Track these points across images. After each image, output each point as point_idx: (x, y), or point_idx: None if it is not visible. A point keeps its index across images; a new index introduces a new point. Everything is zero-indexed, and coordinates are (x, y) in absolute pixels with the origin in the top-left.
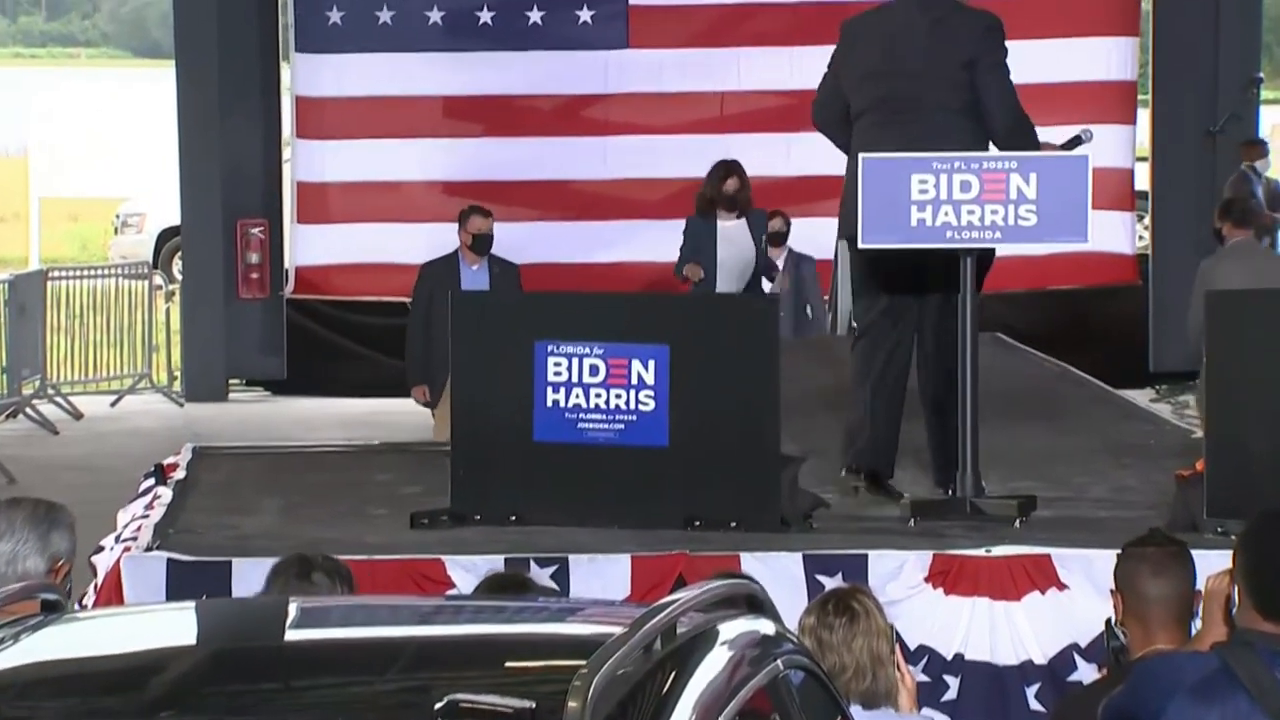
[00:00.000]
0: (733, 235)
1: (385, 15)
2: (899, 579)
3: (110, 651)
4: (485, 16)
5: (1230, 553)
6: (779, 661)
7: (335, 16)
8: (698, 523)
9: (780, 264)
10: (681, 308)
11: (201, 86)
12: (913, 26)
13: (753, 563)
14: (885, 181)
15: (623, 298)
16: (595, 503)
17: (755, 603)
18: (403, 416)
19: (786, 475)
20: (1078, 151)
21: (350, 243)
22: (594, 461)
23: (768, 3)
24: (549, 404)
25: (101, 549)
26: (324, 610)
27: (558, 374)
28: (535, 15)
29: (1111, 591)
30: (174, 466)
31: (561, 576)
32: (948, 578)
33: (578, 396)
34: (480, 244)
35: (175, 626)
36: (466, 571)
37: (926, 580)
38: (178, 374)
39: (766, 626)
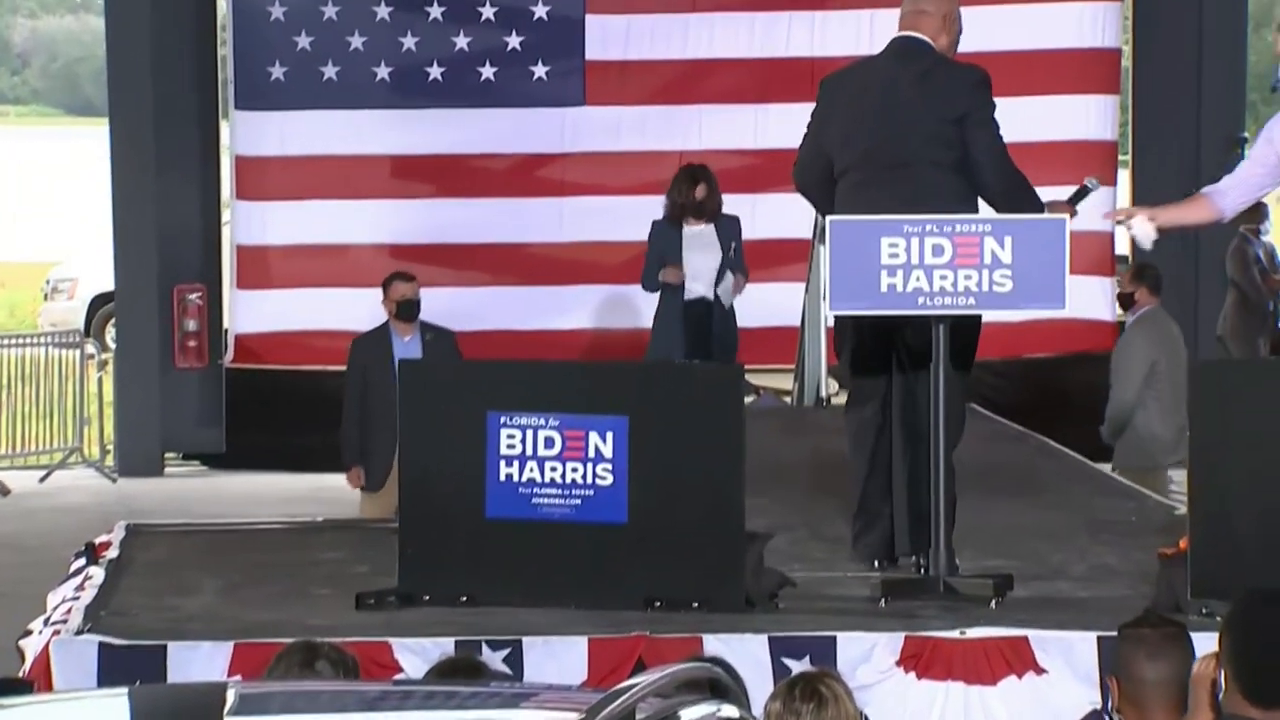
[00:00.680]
0: (700, 240)
1: (330, 71)
2: (869, 662)
3: None
4: (435, 72)
5: (1216, 635)
6: None
7: (277, 72)
8: (658, 603)
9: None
10: (641, 377)
11: (136, 145)
12: (898, 81)
13: (716, 645)
14: (854, 245)
15: (579, 366)
16: (551, 582)
17: (719, 687)
18: (348, 493)
19: (752, 553)
20: (1079, 203)
21: (293, 309)
22: (549, 539)
23: (730, 58)
24: (502, 478)
25: (30, 633)
26: (265, 696)
27: (511, 446)
28: (488, 71)
29: (1107, 677)
30: (106, 545)
31: (515, 660)
32: (920, 661)
33: (532, 470)
34: (405, 311)
35: (107, 715)
36: (415, 655)
37: (898, 664)
38: (110, 448)
39: (731, 712)
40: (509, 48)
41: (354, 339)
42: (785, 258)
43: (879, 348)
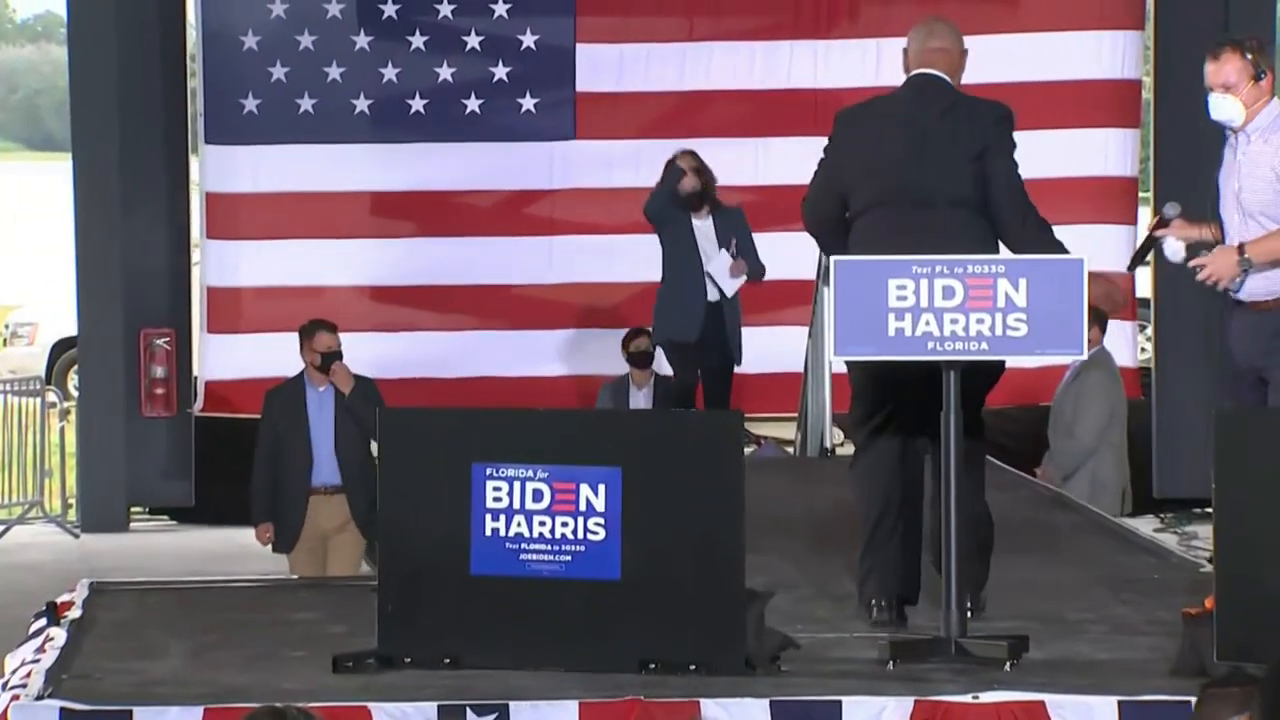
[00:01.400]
0: (702, 236)
1: (306, 103)
2: None
3: None
4: (418, 105)
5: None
6: None
7: (251, 104)
8: (654, 665)
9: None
10: (635, 425)
11: (101, 181)
12: (920, 117)
13: (715, 710)
14: (860, 287)
15: (570, 414)
16: (540, 643)
17: None
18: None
19: (752, 612)
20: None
21: (267, 355)
22: (538, 597)
23: (729, 89)
24: (487, 533)
25: None
26: None
27: (497, 499)
28: (473, 104)
29: None
30: (69, 605)
31: None
32: None
33: (520, 525)
34: (329, 363)
35: None
36: None
37: None
38: (73, 501)
39: None
40: (495, 78)
41: (268, 390)
42: (788, 299)
43: (893, 380)
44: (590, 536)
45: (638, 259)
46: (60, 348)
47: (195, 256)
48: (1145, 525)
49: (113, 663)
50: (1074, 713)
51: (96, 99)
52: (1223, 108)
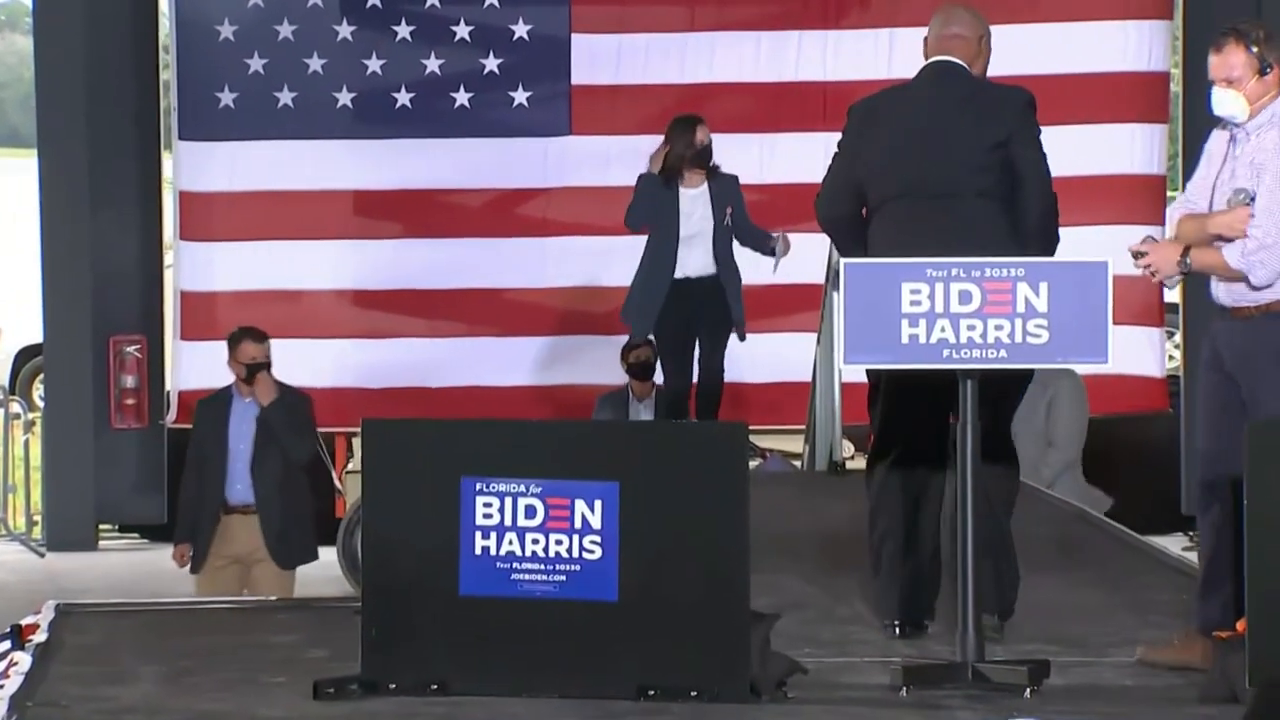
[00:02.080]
0: (698, 204)
1: (286, 97)
2: None
3: None
4: (404, 98)
5: None
6: None
7: (227, 99)
8: (653, 691)
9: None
10: (633, 437)
11: (69, 180)
12: (939, 106)
13: None
14: (871, 291)
15: (565, 426)
16: (532, 668)
17: None
18: (305, 567)
19: (757, 635)
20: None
21: None
22: (531, 619)
23: (733, 82)
24: (477, 551)
25: None
26: None
27: (488, 516)
28: (462, 97)
29: None
30: (34, 628)
31: None
32: None
33: (511, 543)
34: (254, 374)
35: None
36: None
37: None
38: (38, 518)
39: None
40: (486, 71)
41: (199, 399)
42: (795, 305)
43: (911, 386)
44: (586, 555)
45: (636, 261)
46: (25, 355)
47: (168, 259)
48: (1173, 544)
49: (81, 689)
50: None
51: (64, 92)
52: (1225, 102)
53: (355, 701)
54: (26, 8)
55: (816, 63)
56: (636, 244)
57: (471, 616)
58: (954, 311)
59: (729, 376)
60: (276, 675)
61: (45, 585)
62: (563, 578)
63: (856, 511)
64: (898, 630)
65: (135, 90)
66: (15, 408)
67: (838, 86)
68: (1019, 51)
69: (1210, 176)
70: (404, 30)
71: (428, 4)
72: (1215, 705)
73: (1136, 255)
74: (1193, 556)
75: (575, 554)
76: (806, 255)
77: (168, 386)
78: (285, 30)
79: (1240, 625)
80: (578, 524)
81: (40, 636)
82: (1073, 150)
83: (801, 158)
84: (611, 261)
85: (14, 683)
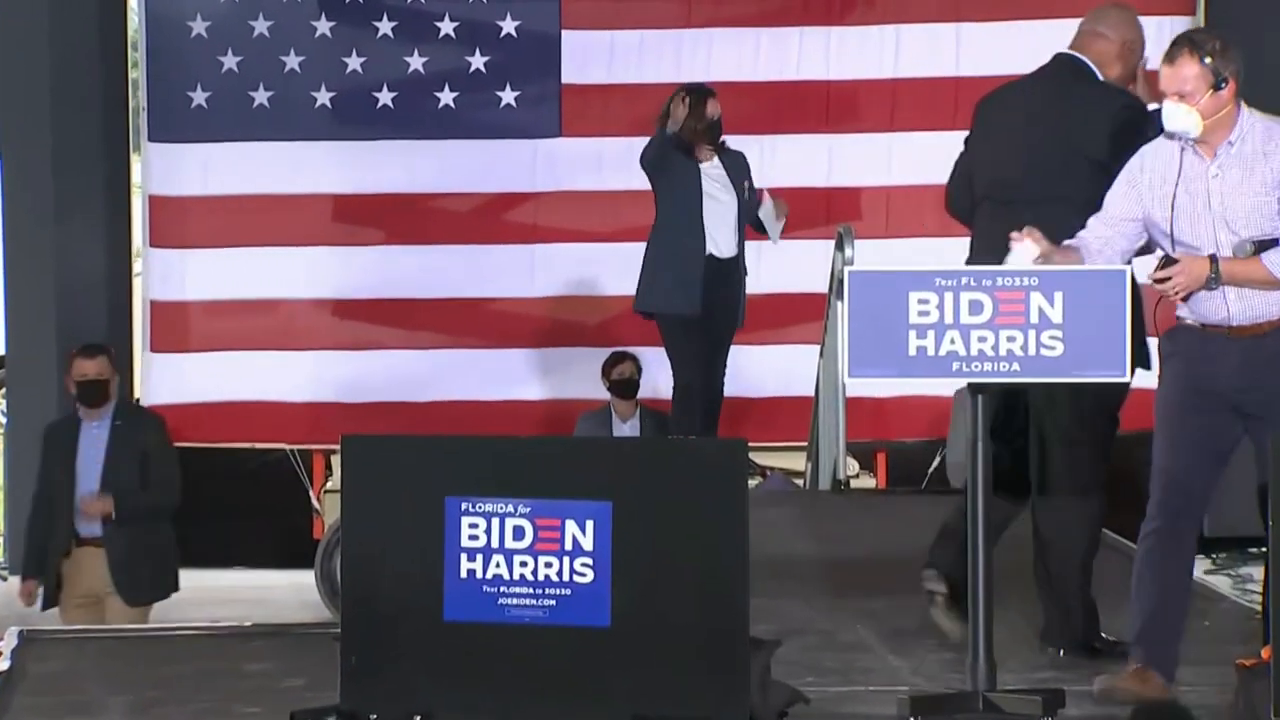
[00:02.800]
0: (718, 185)
1: (262, 96)
2: None
3: None
4: (385, 98)
5: None
6: None
7: (199, 98)
8: None
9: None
10: (627, 454)
11: (31, 184)
12: (1044, 104)
13: None
14: (877, 300)
15: (555, 442)
16: (520, 697)
17: None
18: (280, 592)
19: (757, 663)
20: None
21: (217, 377)
22: (519, 646)
23: (731, 81)
24: (462, 575)
25: None
26: None
27: (473, 537)
28: (447, 97)
29: None
30: None
31: None
32: None
33: (498, 565)
34: (89, 394)
35: None
36: None
37: None
38: (2, 539)
39: None
40: (472, 69)
41: (48, 424)
42: (797, 315)
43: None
44: (577, 578)
45: (630, 269)
46: None
47: (137, 267)
48: (1196, 566)
49: (45, 719)
50: None
51: (28, 93)
52: (1177, 117)
53: None
54: None
55: (819, 61)
56: (630, 251)
57: (456, 643)
58: (964, 322)
59: (728, 390)
60: (250, 705)
61: (7, 610)
62: (552, 602)
63: (861, 532)
64: (941, 582)
65: (102, 89)
66: None
67: (840, 86)
68: (1037, 48)
69: (1166, 195)
70: (385, 26)
71: None
72: None
73: (1160, 281)
74: (1216, 580)
75: (566, 577)
76: (809, 264)
77: (136, 400)
78: (261, 26)
79: (1265, 652)
80: (568, 546)
81: (2, 664)
82: None
83: (803, 160)
84: (604, 270)
85: None
